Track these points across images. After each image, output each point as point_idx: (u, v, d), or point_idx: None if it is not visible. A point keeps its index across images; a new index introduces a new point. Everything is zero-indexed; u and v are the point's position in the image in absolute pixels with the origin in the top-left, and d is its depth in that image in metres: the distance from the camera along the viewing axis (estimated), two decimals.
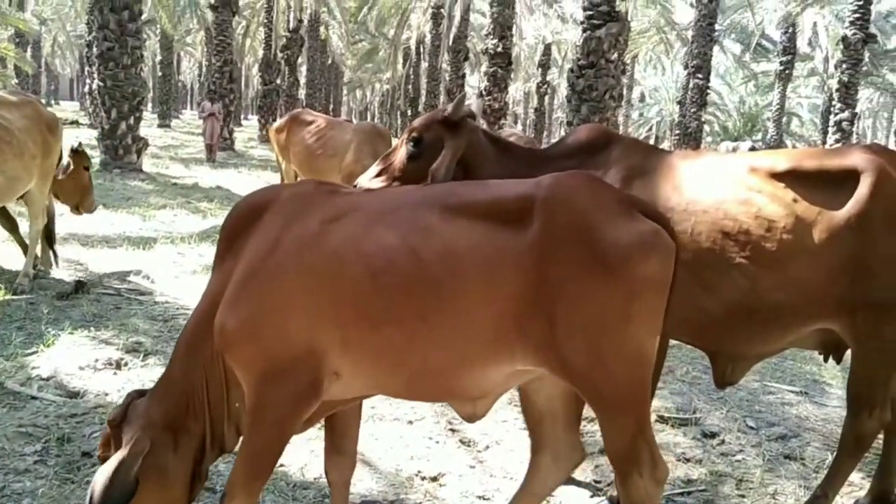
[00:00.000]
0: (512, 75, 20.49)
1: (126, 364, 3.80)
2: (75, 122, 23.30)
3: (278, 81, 25.99)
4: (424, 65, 31.95)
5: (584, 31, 11.11)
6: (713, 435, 3.48)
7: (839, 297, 2.40)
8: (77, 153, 5.60)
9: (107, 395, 3.43)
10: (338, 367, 1.91)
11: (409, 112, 35.50)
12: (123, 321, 4.48)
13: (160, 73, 34.38)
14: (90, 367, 3.72)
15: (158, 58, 35.73)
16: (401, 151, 2.86)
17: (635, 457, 1.91)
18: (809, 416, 3.81)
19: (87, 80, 21.60)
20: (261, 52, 28.34)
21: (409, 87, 35.81)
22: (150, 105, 40.45)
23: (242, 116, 45.74)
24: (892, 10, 29.98)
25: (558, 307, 1.82)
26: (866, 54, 20.83)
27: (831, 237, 2.36)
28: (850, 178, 2.38)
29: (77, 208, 5.82)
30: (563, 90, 15.26)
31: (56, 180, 5.44)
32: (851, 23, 17.62)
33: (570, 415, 2.19)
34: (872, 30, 19.91)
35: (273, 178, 12.85)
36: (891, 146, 25.87)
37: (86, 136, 10.97)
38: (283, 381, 1.88)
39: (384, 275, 1.86)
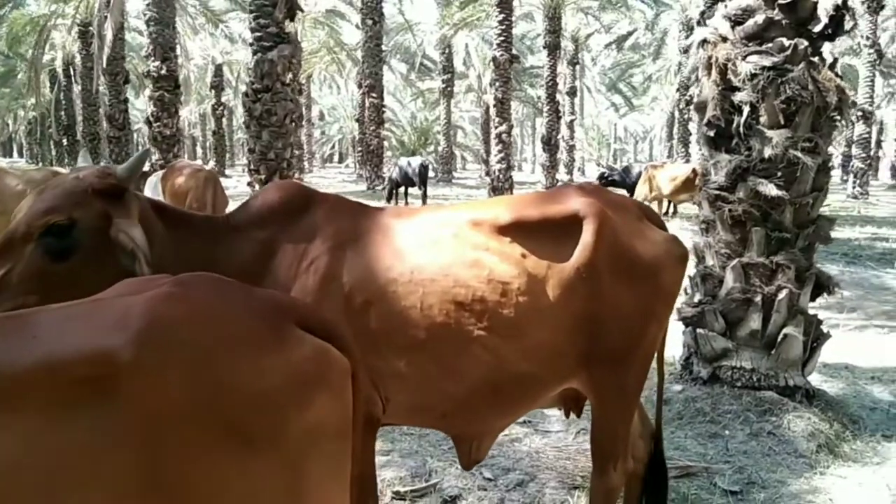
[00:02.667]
0: (182, 98, 18.98)
1: None
2: None
3: None
4: (78, 88, 28.29)
5: (255, 53, 10.48)
6: (454, 500, 3.18)
7: (577, 354, 2.20)
8: None
9: None
10: None
11: (63, 141, 31.16)
12: None
13: None
14: None
15: None
16: (26, 252, 1.84)
17: None
18: (539, 450, 3.73)
19: None
20: None
21: (62, 113, 31.43)
22: None
23: None
24: (525, 33, 34.34)
25: None
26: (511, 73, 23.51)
27: (564, 291, 2.13)
28: (573, 224, 2.18)
29: None
30: (240, 110, 14.35)
31: None
32: (498, 45, 19.52)
33: None
34: (514, 51, 22.48)
35: None
36: (537, 150, 29.61)
37: None
38: None
39: None
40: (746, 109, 4.00)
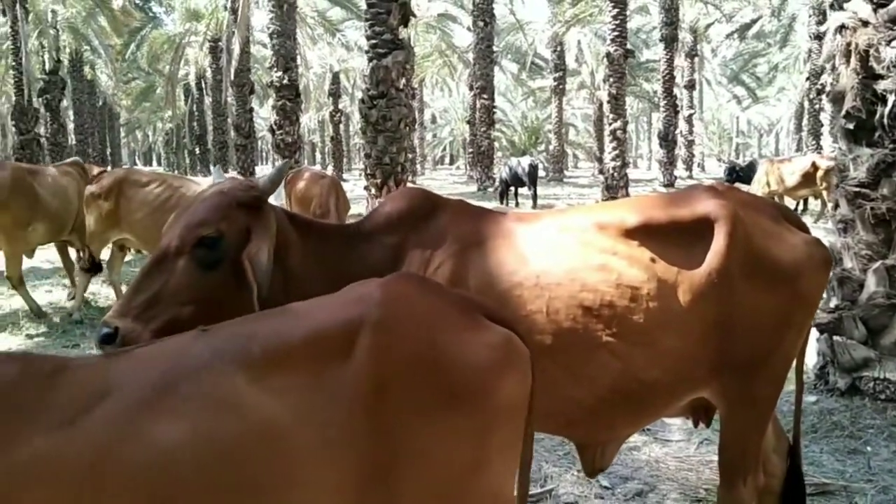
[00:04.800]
0: (302, 106, 19.83)
1: None
2: None
3: (41, 130, 22.98)
4: (208, 100, 30.23)
5: (371, 60, 10.77)
6: None
7: (709, 362, 2.10)
8: None
9: None
10: None
11: (196, 150, 33.39)
12: None
13: None
14: None
15: None
16: (180, 265, 1.92)
17: None
18: (660, 459, 3.60)
19: None
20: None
21: (195, 124, 33.69)
22: None
23: None
24: (640, 27, 33.36)
25: (400, 466, 1.34)
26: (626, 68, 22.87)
27: (695, 298, 2.04)
28: (704, 228, 2.07)
29: None
30: (356, 116, 14.86)
31: None
32: (612, 40, 19.05)
33: None
34: (628, 46, 21.88)
35: None
36: (653, 146, 28.58)
37: None
38: None
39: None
40: (892, 99, 3.68)
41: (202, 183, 6.52)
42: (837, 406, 3.90)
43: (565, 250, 2.10)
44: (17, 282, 6.43)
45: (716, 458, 3.37)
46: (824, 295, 4.28)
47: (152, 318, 1.89)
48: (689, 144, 30.75)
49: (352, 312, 1.39)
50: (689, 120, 30.38)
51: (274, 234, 2.03)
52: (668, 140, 23.85)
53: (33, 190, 6.38)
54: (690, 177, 28.95)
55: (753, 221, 2.11)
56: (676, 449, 3.72)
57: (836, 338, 3.97)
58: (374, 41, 10.68)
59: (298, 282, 2.05)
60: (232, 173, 11.27)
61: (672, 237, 2.09)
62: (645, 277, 2.04)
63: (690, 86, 31.18)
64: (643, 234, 2.09)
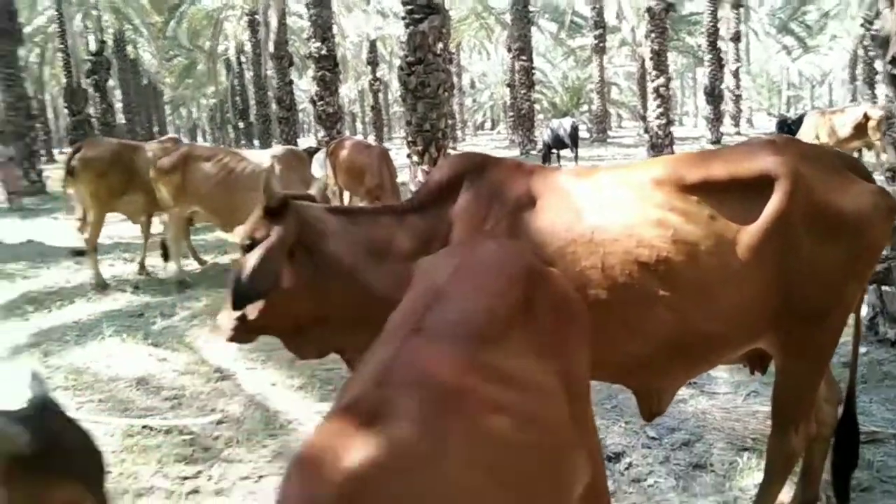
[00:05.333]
0: (341, 77, 19.86)
1: None
2: None
3: (90, 110, 23.60)
4: (249, 74, 30.52)
5: (407, 26, 10.75)
6: (618, 457, 3.22)
7: (770, 315, 2.12)
8: None
9: None
10: None
11: (240, 125, 33.85)
12: None
13: None
14: None
15: None
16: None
17: None
18: (706, 411, 3.65)
19: None
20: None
21: (237, 98, 34.09)
22: None
23: (58, 151, 41.50)
24: None
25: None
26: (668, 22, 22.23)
27: (755, 254, 2.05)
28: (764, 184, 2.06)
29: None
30: (395, 84, 14.85)
31: None
32: None
33: None
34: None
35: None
36: (699, 102, 27.67)
37: None
38: None
39: None
40: None
41: (256, 156, 6.85)
42: (888, 356, 3.89)
43: (621, 206, 2.11)
44: (93, 248, 7.00)
45: (762, 409, 3.44)
46: None
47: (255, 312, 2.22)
48: (737, 99, 29.88)
49: (514, 268, 1.56)
50: (735, 74, 29.47)
51: (290, 233, 2.18)
52: (714, 95, 23.23)
53: (133, 164, 7.02)
54: (738, 133, 28.18)
55: (814, 174, 2.08)
56: (723, 401, 3.77)
57: (885, 288, 3.94)
58: (409, 6, 10.64)
59: (341, 268, 2.21)
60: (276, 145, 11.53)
61: (731, 193, 2.08)
62: (703, 233, 2.05)
63: (736, 38, 30.13)
64: (702, 190, 2.09)
